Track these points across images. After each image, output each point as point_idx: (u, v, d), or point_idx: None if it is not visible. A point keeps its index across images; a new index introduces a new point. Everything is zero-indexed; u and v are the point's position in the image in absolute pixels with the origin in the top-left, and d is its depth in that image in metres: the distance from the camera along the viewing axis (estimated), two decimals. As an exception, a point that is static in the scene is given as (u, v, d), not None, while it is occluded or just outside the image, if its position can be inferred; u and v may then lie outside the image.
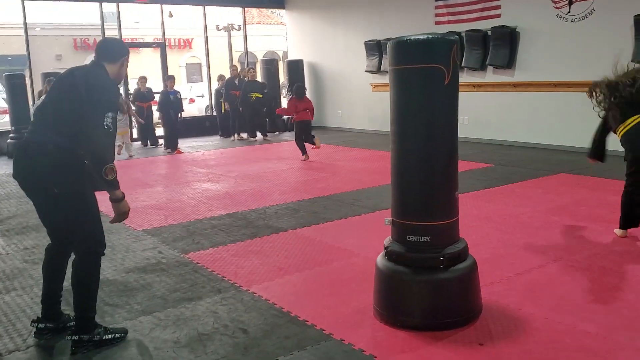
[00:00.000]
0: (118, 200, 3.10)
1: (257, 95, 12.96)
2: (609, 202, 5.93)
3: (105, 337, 3.22)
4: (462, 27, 10.76)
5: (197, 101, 19.79)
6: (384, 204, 6.31)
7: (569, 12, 9.13)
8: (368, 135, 12.78)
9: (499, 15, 10.26)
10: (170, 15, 14.67)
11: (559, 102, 9.50)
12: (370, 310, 3.54)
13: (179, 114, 11.93)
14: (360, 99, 13.50)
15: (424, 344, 3.10)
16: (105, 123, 2.94)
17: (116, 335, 3.27)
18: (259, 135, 13.49)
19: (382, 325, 3.35)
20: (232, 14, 19.58)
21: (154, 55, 16.39)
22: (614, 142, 8.77)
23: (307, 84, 15.19)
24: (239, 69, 13.98)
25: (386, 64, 12.44)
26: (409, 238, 3.25)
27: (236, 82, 13.24)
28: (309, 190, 7.28)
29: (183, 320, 3.56)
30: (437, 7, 11.32)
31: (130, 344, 3.27)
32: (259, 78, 14.64)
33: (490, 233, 5.11)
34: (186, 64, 30.40)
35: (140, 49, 24.28)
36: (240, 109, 13.00)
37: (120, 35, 13.95)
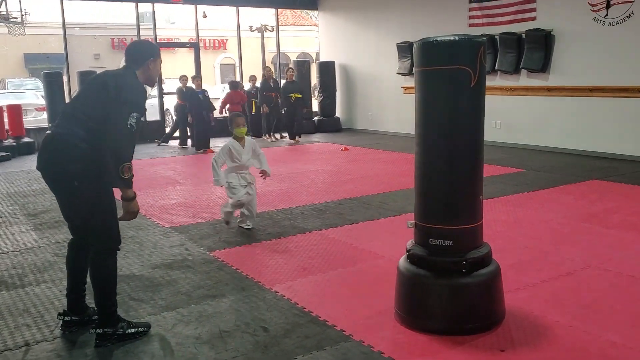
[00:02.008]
0: (130, 199, 3.13)
1: (297, 95, 12.99)
2: (643, 210, 5.80)
3: (129, 331, 3.28)
4: (496, 30, 10.64)
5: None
6: (410, 207, 6.19)
7: (607, 15, 8.93)
8: (398, 138, 12.72)
9: (534, 18, 10.10)
10: (205, 16, 14.84)
11: (595, 108, 9.31)
12: (391, 313, 3.52)
13: (211, 113, 12.06)
14: (391, 101, 13.45)
15: (444, 348, 3.08)
16: (129, 122, 3.02)
17: (139, 329, 3.33)
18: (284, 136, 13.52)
19: (403, 328, 3.33)
20: (266, 15, 19.74)
21: (190, 55, 16.64)
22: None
23: (338, 86, 15.24)
24: (272, 70, 14.09)
25: (418, 66, 12.41)
26: (431, 241, 3.23)
27: (271, 83, 13.32)
28: (337, 191, 7.28)
29: (205, 316, 3.60)
30: (471, 9, 11.21)
31: (152, 338, 3.32)
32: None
33: (518, 238, 5.03)
34: (220, 64, 30.77)
35: (176, 49, 24.70)
36: (283, 110, 13.07)
37: (155, 36, 14.21)
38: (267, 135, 13.55)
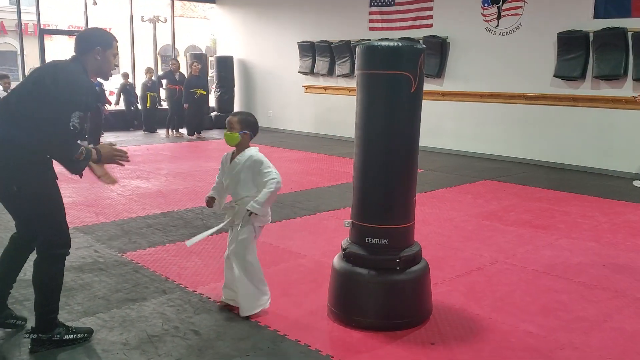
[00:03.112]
0: (95, 161, 3.05)
1: (202, 91, 12.62)
2: (534, 209, 6.30)
3: (67, 337, 3.08)
4: (394, 35, 11.01)
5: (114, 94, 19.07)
6: (324, 206, 6.36)
7: (498, 25, 9.58)
8: (300, 137, 12.82)
9: (430, 25, 10.60)
10: (95, 4, 14.05)
11: (484, 112, 9.95)
12: (323, 311, 3.56)
13: (104, 107, 11.51)
14: (292, 99, 13.52)
15: (379, 344, 3.16)
16: (72, 123, 2.80)
17: (78, 335, 3.13)
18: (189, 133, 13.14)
19: (337, 325, 3.38)
20: (157, 6, 19.12)
21: (70, 43, 15.63)
22: (534, 151, 9.25)
23: (236, 82, 15.05)
24: (179, 63, 13.62)
25: (319, 66, 12.59)
26: (367, 240, 3.30)
27: (176, 76, 12.87)
28: (246, 189, 7.20)
29: (129, 321, 3.44)
30: (371, 13, 11.53)
31: (76, 345, 3.11)
32: (183, 71, 14.29)
33: (429, 236, 5.27)
34: (104, 54, 29.20)
35: (53, 36, 23.10)
36: (185, 105, 12.61)
37: (39, 21, 13.23)
38: (172, 131, 13.10)
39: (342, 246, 3.47)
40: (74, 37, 3.14)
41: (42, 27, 13.60)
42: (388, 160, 3.26)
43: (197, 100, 12.55)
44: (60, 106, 2.80)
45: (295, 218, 5.89)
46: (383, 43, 3.15)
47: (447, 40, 10.28)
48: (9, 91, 10.35)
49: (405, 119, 3.24)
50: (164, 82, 13.12)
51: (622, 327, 3.40)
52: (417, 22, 10.79)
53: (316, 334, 3.30)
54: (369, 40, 11.34)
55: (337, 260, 3.47)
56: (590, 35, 8.40)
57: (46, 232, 2.98)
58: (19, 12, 13.11)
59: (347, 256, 3.37)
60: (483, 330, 3.36)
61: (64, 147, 2.86)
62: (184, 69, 14.50)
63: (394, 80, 3.14)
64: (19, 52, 26.82)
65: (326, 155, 10.20)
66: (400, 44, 3.14)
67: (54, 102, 2.80)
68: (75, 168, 2.96)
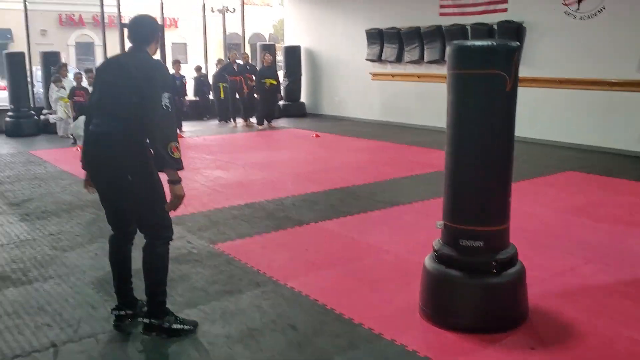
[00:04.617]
0: (176, 182, 3.08)
1: (272, 81, 12.77)
2: (626, 204, 6.05)
3: (174, 326, 3.25)
4: (467, 20, 10.79)
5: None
6: (401, 199, 6.34)
7: (578, 9, 9.20)
8: (367, 125, 12.79)
9: (505, 10, 10.30)
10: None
11: (563, 99, 9.63)
12: (413, 309, 3.58)
13: (184, 98, 12.06)
14: (359, 87, 13.48)
15: (478, 347, 3.16)
16: (164, 103, 2.97)
17: (185, 326, 3.30)
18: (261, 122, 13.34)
19: (431, 326, 3.40)
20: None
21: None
22: (619, 141, 8.83)
23: (303, 70, 15.12)
24: (236, 53, 13.80)
25: (387, 52, 12.50)
26: (461, 242, 3.29)
27: (235, 67, 13.08)
28: (321, 181, 7.27)
29: (229, 314, 3.57)
30: (442, -1, 11.31)
31: (182, 337, 3.26)
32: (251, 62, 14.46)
33: (514, 232, 5.07)
34: (172, 43, 29.93)
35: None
36: (256, 95, 12.89)
37: (119, 15, 13.74)
38: (236, 121, 13.37)
39: (433, 247, 3.47)
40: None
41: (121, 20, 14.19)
42: (484, 161, 3.23)
43: (267, 90, 12.71)
44: (152, 89, 2.98)
45: (373, 211, 5.90)
46: (476, 43, 3.13)
47: (523, 24, 9.95)
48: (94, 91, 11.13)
49: (501, 117, 3.19)
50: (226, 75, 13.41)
51: None
52: (491, 7, 10.50)
53: (410, 334, 3.32)
54: (440, 26, 11.20)
55: (428, 261, 3.47)
56: (684, 18, 7.95)
57: (157, 215, 3.18)
58: (102, 5, 13.71)
59: (440, 258, 3.37)
60: (584, 335, 3.29)
61: (161, 124, 2.98)
62: (252, 59, 14.68)
63: (488, 80, 3.11)
64: (96, 43, 28.05)
65: (396, 144, 10.14)
66: (494, 42, 3.12)
67: (147, 87, 2.98)
68: (169, 158, 2.99)
